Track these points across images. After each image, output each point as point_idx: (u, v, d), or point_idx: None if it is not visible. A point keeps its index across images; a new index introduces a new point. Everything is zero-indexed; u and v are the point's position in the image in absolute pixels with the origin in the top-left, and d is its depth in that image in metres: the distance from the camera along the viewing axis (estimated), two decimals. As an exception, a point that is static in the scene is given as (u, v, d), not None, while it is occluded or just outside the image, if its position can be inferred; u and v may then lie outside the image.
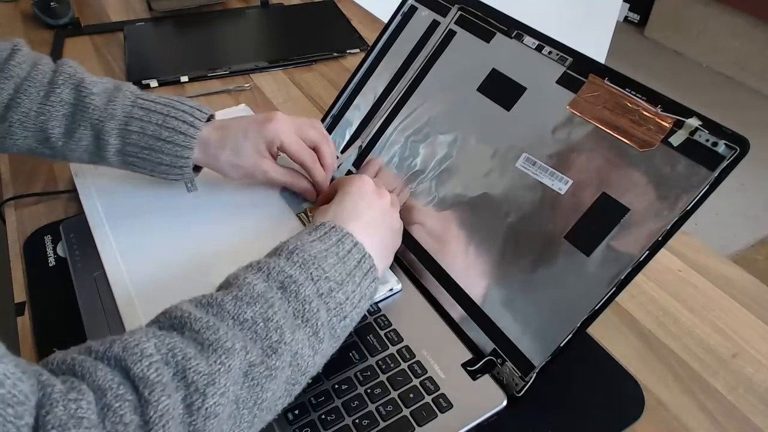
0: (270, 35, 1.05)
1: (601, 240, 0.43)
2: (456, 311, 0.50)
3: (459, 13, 0.60)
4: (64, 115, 0.53)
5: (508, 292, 0.47)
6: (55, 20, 1.01)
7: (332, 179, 0.59)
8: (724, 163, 0.39)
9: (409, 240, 0.55)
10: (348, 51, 0.95)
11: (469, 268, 0.50)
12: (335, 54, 0.94)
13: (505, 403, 0.44)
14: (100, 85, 0.54)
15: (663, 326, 0.51)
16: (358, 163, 0.63)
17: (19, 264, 0.57)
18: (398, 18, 0.66)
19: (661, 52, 2.95)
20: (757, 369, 0.48)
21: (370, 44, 0.71)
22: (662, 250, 0.40)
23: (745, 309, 0.53)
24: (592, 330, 0.44)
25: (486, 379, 0.45)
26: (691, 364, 0.48)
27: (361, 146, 0.63)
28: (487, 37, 0.56)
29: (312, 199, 0.59)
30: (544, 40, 0.52)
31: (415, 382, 0.45)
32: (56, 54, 0.92)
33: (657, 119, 0.43)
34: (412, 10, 0.65)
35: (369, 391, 0.44)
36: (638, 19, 3.13)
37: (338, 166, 0.63)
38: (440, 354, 0.47)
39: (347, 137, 0.66)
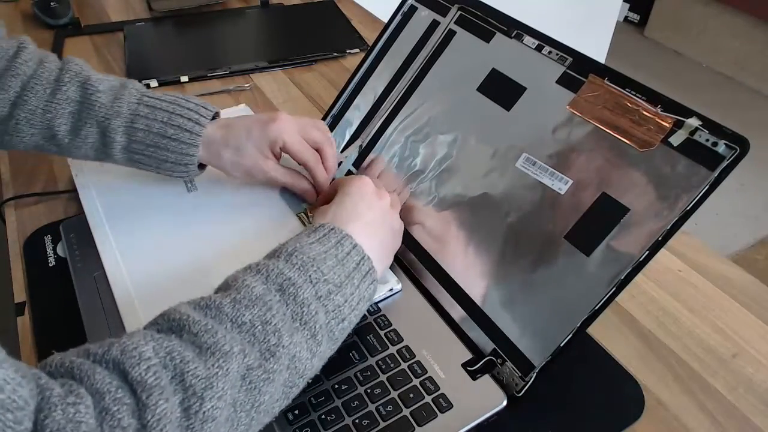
0: (270, 35, 1.05)
1: (601, 240, 0.43)
2: (456, 311, 0.50)
3: (459, 12, 0.60)
4: (70, 113, 0.53)
5: (508, 292, 0.47)
6: (55, 20, 1.01)
7: (332, 179, 0.59)
8: (724, 163, 0.39)
9: (409, 240, 0.55)
10: (348, 51, 0.95)
11: (469, 268, 0.50)
12: (335, 54, 0.94)
13: (505, 403, 0.44)
14: (106, 82, 0.54)
15: (663, 326, 0.51)
16: (359, 162, 0.63)
17: (19, 264, 0.57)
18: (398, 18, 0.66)
19: (661, 52, 2.95)
20: (757, 369, 0.48)
21: (370, 44, 0.71)
22: (662, 250, 0.40)
23: (745, 309, 0.53)
24: (592, 330, 0.44)
25: (486, 379, 0.45)
26: (691, 364, 0.48)
27: (361, 146, 0.63)
28: (487, 37, 0.56)
29: (312, 200, 0.59)
30: (544, 40, 0.52)
31: (415, 382, 0.45)
32: (56, 54, 0.92)
33: (657, 119, 0.43)
34: (412, 10, 0.65)
35: (369, 391, 0.44)
36: (638, 19, 3.13)
37: (338, 165, 0.63)
38: (440, 354, 0.47)
39: (347, 137, 0.66)
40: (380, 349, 0.47)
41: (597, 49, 2.16)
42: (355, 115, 0.66)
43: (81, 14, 1.06)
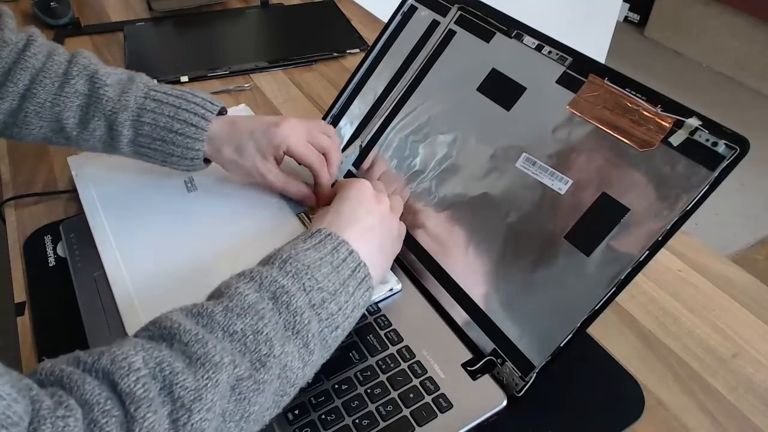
0: (270, 35, 1.05)
1: (601, 240, 0.43)
2: (456, 311, 0.50)
3: (459, 12, 0.60)
4: (78, 106, 0.54)
5: (508, 292, 0.47)
6: (55, 20, 1.01)
7: (334, 182, 0.59)
8: (724, 163, 0.39)
9: (408, 240, 0.55)
10: (348, 51, 0.95)
11: (469, 268, 0.50)
12: (335, 54, 0.94)
13: (505, 403, 0.44)
14: (113, 76, 0.55)
15: (663, 326, 0.51)
16: (358, 162, 0.63)
17: (19, 264, 0.57)
18: (398, 18, 0.66)
19: (661, 52, 2.95)
20: (757, 369, 0.48)
21: (370, 44, 0.71)
22: (662, 250, 0.40)
23: (745, 309, 0.53)
24: (592, 330, 0.44)
25: (486, 379, 0.45)
26: (691, 364, 0.48)
27: (361, 145, 0.63)
28: (486, 36, 0.56)
29: (311, 204, 0.59)
30: (544, 39, 0.52)
31: (415, 382, 0.45)
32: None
33: (657, 119, 0.43)
34: (412, 9, 0.65)
35: (369, 391, 0.44)
36: (638, 19, 3.13)
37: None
38: (440, 354, 0.47)
39: (347, 137, 0.66)
40: (380, 349, 0.47)
41: (597, 49, 2.16)
42: (355, 115, 0.66)
43: (81, 14, 1.06)
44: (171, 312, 0.36)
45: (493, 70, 0.55)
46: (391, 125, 0.61)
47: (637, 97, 0.44)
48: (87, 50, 0.56)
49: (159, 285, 0.50)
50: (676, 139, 0.42)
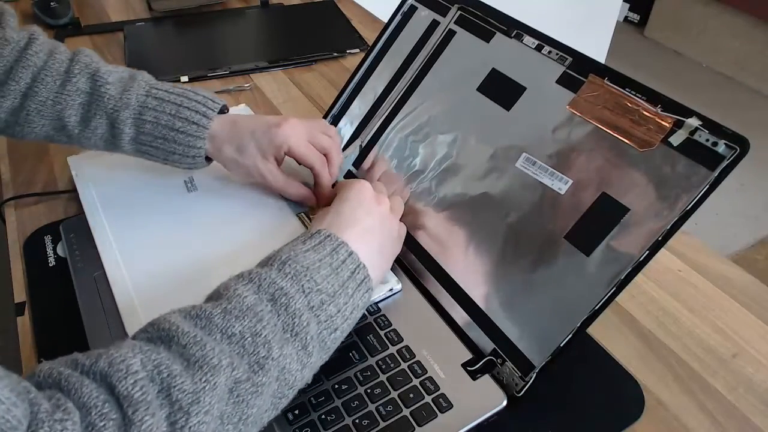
0: (270, 35, 1.05)
1: (601, 240, 0.43)
2: (456, 311, 0.50)
3: (459, 12, 0.60)
4: (80, 104, 0.54)
5: (508, 292, 0.47)
6: (55, 20, 1.01)
7: (334, 183, 0.59)
8: (724, 163, 0.39)
9: (408, 240, 0.55)
10: (348, 51, 0.95)
11: (469, 268, 0.50)
12: (335, 54, 0.94)
13: (505, 403, 0.44)
14: (115, 74, 0.55)
15: (663, 326, 0.51)
16: (358, 162, 0.63)
17: (19, 264, 0.57)
18: (398, 18, 0.66)
19: (661, 52, 2.95)
20: (757, 369, 0.48)
21: (370, 44, 0.71)
22: (662, 250, 0.40)
23: (745, 309, 0.53)
24: (592, 330, 0.44)
25: (486, 379, 0.45)
26: (691, 364, 0.48)
27: (361, 145, 0.63)
28: (486, 36, 0.56)
29: (311, 204, 0.59)
30: (544, 39, 0.52)
31: (415, 382, 0.45)
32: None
33: (657, 119, 0.43)
34: (412, 9, 0.65)
35: (369, 391, 0.44)
36: (638, 19, 3.13)
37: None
38: (440, 354, 0.47)
39: (347, 137, 0.66)
40: (380, 349, 0.47)
41: (597, 49, 2.16)
42: (355, 115, 0.66)
43: (81, 14, 1.06)
44: (169, 314, 0.36)
45: (493, 70, 0.55)
46: (391, 125, 0.61)
47: (637, 97, 0.44)
48: (88, 48, 0.57)
49: (159, 285, 0.50)
50: (676, 139, 0.42)
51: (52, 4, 1.02)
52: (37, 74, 0.53)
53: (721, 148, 0.39)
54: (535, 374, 0.44)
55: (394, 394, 0.44)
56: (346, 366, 0.46)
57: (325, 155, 0.57)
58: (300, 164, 0.57)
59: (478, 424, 0.43)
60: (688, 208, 0.40)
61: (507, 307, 0.47)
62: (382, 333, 0.48)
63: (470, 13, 0.59)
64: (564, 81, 0.49)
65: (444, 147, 0.56)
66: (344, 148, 0.65)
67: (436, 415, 0.43)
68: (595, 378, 0.47)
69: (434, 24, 0.62)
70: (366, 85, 0.66)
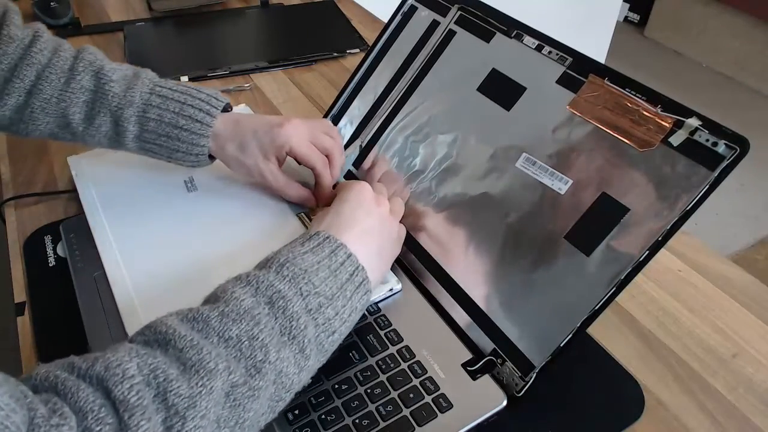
0: (270, 35, 1.05)
1: (601, 240, 0.43)
2: (456, 311, 0.50)
3: (459, 12, 0.60)
4: (84, 102, 0.54)
5: (508, 292, 0.47)
6: (55, 20, 1.01)
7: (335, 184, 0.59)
8: (724, 163, 0.39)
9: (408, 240, 0.55)
10: (348, 51, 0.95)
11: (469, 268, 0.50)
12: (335, 54, 0.94)
13: (505, 403, 0.44)
14: (119, 72, 0.55)
15: (663, 326, 0.51)
16: (358, 162, 0.63)
17: (19, 264, 0.57)
18: (398, 18, 0.66)
19: (661, 52, 2.95)
20: (757, 369, 0.48)
21: (370, 44, 0.71)
22: (662, 250, 0.40)
23: (745, 309, 0.53)
24: (592, 330, 0.44)
25: (486, 379, 0.45)
26: (691, 364, 0.48)
27: (361, 145, 0.63)
28: (487, 37, 0.56)
29: (311, 205, 0.59)
30: (544, 40, 0.52)
31: (415, 382, 0.45)
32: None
33: (657, 119, 0.43)
34: (412, 9, 0.65)
35: (369, 391, 0.44)
36: (638, 19, 3.13)
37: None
38: (440, 354, 0.47)
39: (347, 137, 0.66)
40: (380, 349, 0.47)
41: (597, 49, 2.16)
42: (355, 115, 0.66)
43: (81, 14, 1.06)
44: (166, 316, 0.36)
45: (493, 70, 0.55)
46: (391, 125, 0.61)
47: (637, 97, 0.44)
48: (92, 46, 0.57)
49: (159, 285, 0.50)
50: (676, 139, 0.42)
51: (52, 4, 1.02)
52: (42, 72, 0.53)
53: (721, 148, 0.39)
54: (535, 374, 0.44)
55: (394, 394, 0.44)
56: (346, 366, 0.46)
57: (326, 156, 0.57)
58: (301, 164, 0.57)
59: (478, 424, 0.43)
60: (688, 208, 0.40)
61: (507, 307, 0.47)
62: (382, 333, 0.48)
63: (470, 13, 0.59)
64: (564, 81, 0.49)
65: (444, 147, 0.56)
66: (344, 148, 0.65)
67: (436, 415, 0.43)
68: (595, 378, 0.47)
69: (434, 24, 0.62)
70: (366, 85, 0.66)
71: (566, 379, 0.46)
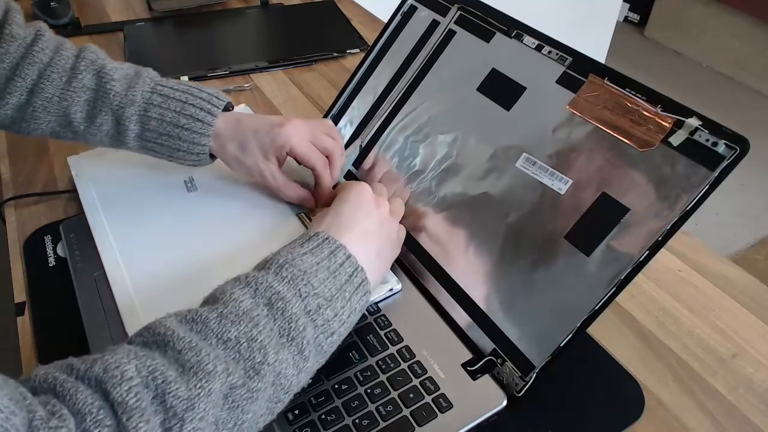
0: (270, 35, 1.05)
1: (601, 240, 0.43)
2: (456, 311, 0.50)
3: (459, 12, 0.60)
4: (86, 101, 0.54)
5: (508, 292, 0.47)
6: (55, 20, 1.01)
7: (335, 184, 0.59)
8: (724, 163, 0.39)
9: (408, 240, 0.55)
10: (348, 51, 0.95)
11: (469, 268, 0.50)
12: (335, 54, 0.94)
13: (505, 403, 0.44)
14: (120, 71, 0.55)
15: (663, 326, 0.51)
16: (358, 162, 0.63)
17: (19, 264, 0.57)
18: (398, 18, 0.66)
19: (661, 52, 2.95)
20: (757, 369, 0.48)
21: (370, 44, 0.71)
22: (662, 250, 0.40)
23: (745, 309, 0.53)
24: (592, 330, 0.44)
25: (486, 379, 0.45)
26: (691, 364, 0.48)
27: (361, 145, 0.63)
28: (486, 36, 0.56)
29: (310, 206, 0.59)
30: (543, 39, 0.52)
31: (415, 382, 0.45)
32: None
33: (657, 119, 0.43)
34: (412, 9, 0.65)
35: (369, 391, 0.44)
36: (638, 19, 3.13)
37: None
38: (440, 354, 0.47)
39: (347, 137, 0.66)
40: (380, 349, 0.47)
41: (597, 49, 2.16)
42: (355, 115, 0.66)
43: (81, 14, 1.07)
44: (165, 318, 0.36)
45: (493, 70, 0.55)
46: (391, 125, 0.61)
47: (637, 97, 0.44)
48: (94, 45, 0.57)
49: (159, 285, 0.50)
50: (676, 139, 0.42)
51: (52, 4, 1.02)
52: (44, 71, 0.53)
53: (721, 148, 0.39)
54: (535, 374, 0.44)
55: (394, 394, 0.44)
56: (346, 366, 0.46)
57: (327, 156, 0.57)
58: (301, 165, 0.57)
59: (478, 424, 0.43)
60: (688, 208, 0.40)
61: (507, 307, 0.47)
62: (382, 333, 0.48)
63: (470, 13, 0.59)
64: (564, 81, 0.49)
65: (444, 147, 0.56)
66: (344, 148, 0.65)
67: (436, 415, 0.43)
68: (595, 378, 0.47)
69: (434, 24, 0.62)
70: (366, 85, 0.66)
71: (566, 379, 0.46)
